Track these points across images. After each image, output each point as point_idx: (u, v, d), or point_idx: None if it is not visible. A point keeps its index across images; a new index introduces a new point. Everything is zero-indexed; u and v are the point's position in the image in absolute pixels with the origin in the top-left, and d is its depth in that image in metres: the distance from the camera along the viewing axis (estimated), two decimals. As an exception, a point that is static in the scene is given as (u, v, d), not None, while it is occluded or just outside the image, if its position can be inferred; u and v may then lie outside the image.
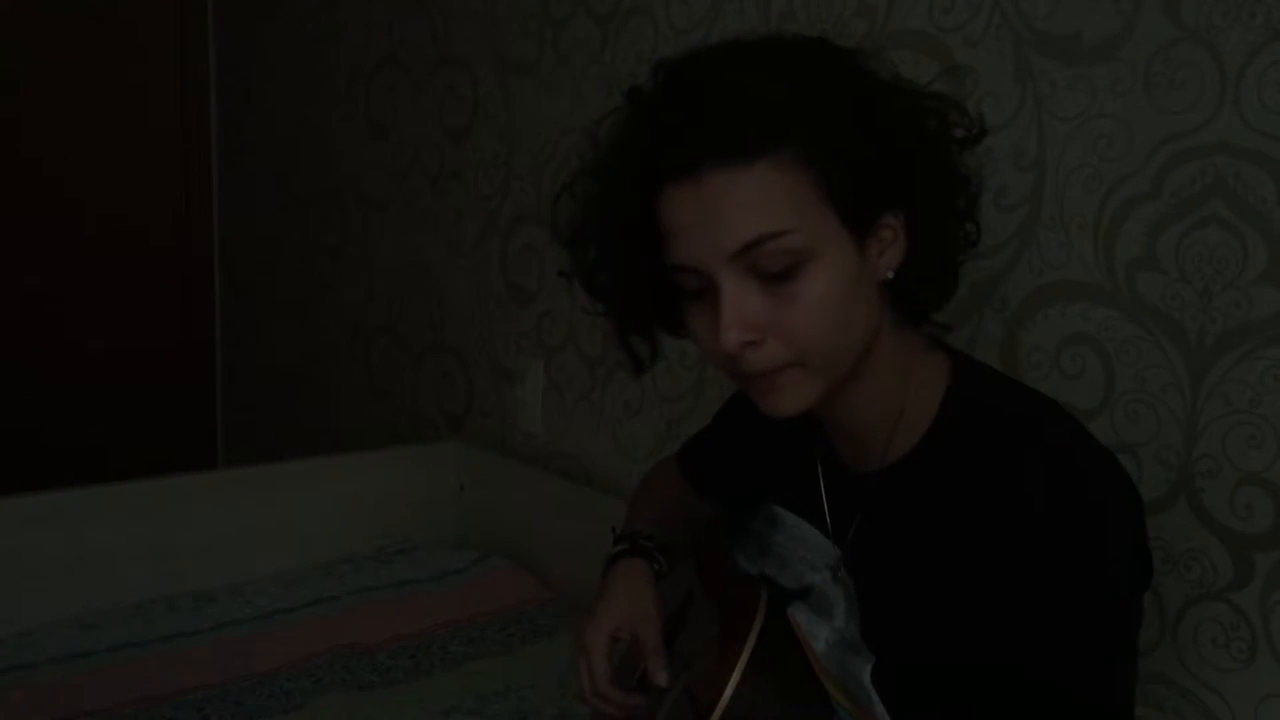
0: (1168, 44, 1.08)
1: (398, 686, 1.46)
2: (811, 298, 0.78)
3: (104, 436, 2.78)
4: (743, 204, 0.77)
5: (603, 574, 1.06)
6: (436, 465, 2.01)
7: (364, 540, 1.89)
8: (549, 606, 1.71)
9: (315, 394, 2.59)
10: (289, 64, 2.59)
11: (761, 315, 0.79)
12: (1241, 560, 1.05)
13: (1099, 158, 1.14)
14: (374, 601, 1.70)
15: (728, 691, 0.87)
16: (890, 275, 0.83)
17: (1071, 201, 1.16)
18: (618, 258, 0.86)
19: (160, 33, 2.86)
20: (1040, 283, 1.19)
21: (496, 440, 2.04)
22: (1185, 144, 1.07)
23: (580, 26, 1.77)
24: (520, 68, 1.91)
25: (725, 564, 1.05)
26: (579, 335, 1.84)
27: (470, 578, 1.80)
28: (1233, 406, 1.05)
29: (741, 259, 0.78)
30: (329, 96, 2.44)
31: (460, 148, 2.07)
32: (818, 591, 0.94)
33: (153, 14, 2.84)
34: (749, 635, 0.89)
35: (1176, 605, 1.10)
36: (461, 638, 1.61)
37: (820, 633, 0.91)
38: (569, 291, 1.85)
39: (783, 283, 0.78)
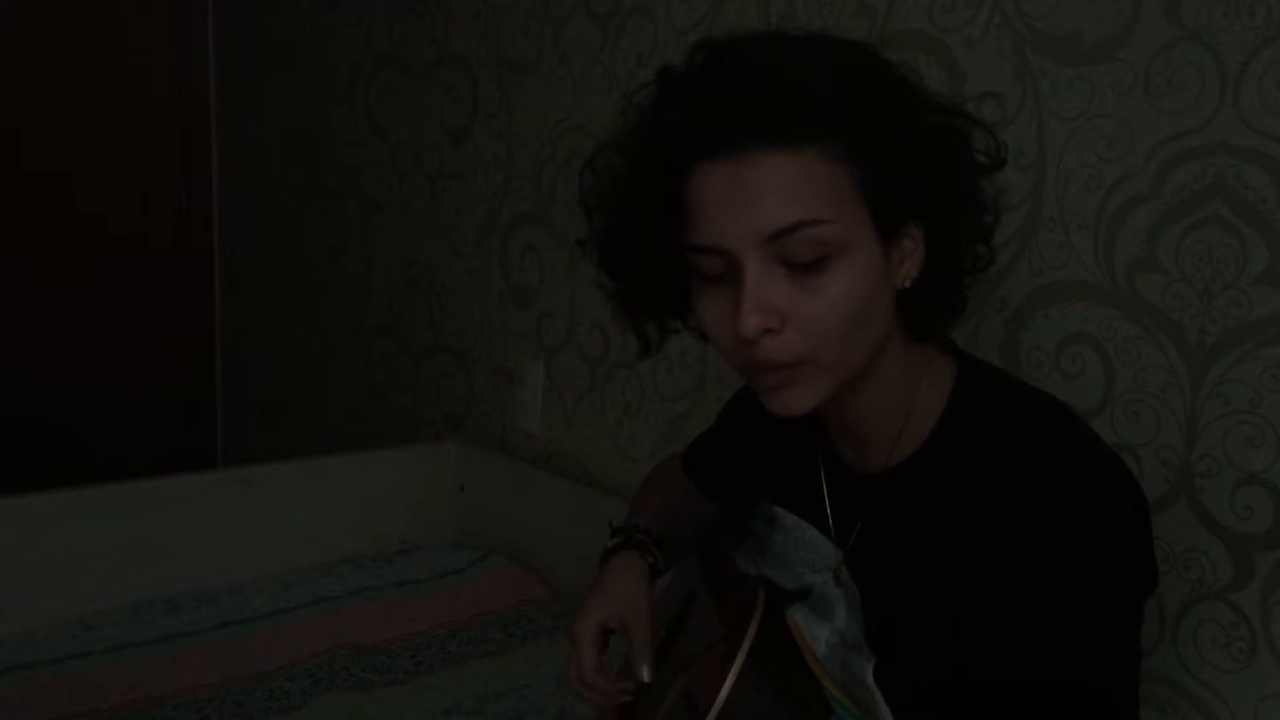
0: (1168, 44, 1.08)
1: (398, 686, 1.46)
2: (836, 292, 0.78)
3: (104, 436, 2.78)
4: (784, 189, 0.76)
5: (599, 567, 1.06)
6: (436, 465, 2.01)
7: (364, 540, 1.89)
8: (549, 606, 1.71)
9: (315, 394, 2.59)
10: (289, 64, 2.59)
11: (784, 303, 0.78)
12: (1241, 560, 1.05)
13: (1099, 158, 1.14)
14: (374, 601, 1.69)
15: (723, 693, 0.86)
16: (907, 285, 0.83)
17: (1071, 201, 1.16)
18: (639, 230, 0.84)
19: (160, 33, 2.86)
20: (1040, 283, 1.19)
21: (496, 440, 2.04)
22: (1185, 144, 1.07)
23: (580, 26, 1.77)
24: (520, 68, 1.91)
25: (727, 564, 1.05)
26: (579, 335, 1.84)
27: (470, 578, 1.80)
28: (1233, 406, 1.05)
29: (772, 244, 0.77)
30: (329, 96, 2.44)
31: (460, 148, 2.08)
32: (817, 592, 0.94)
33: (152, 14, 2.84)
34: (745, 637, 0.89)
35: (1176, 605, 1.10)
36: (461, 638, 1.61)
37: (820, 634, 0.91)
38: (569, 291, 1.86)
39: (809, 274, 0.78)
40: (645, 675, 0.96)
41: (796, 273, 0.78)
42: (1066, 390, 1.15)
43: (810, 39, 0.82)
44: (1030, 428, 0.83)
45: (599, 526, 1.17)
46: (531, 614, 1.69)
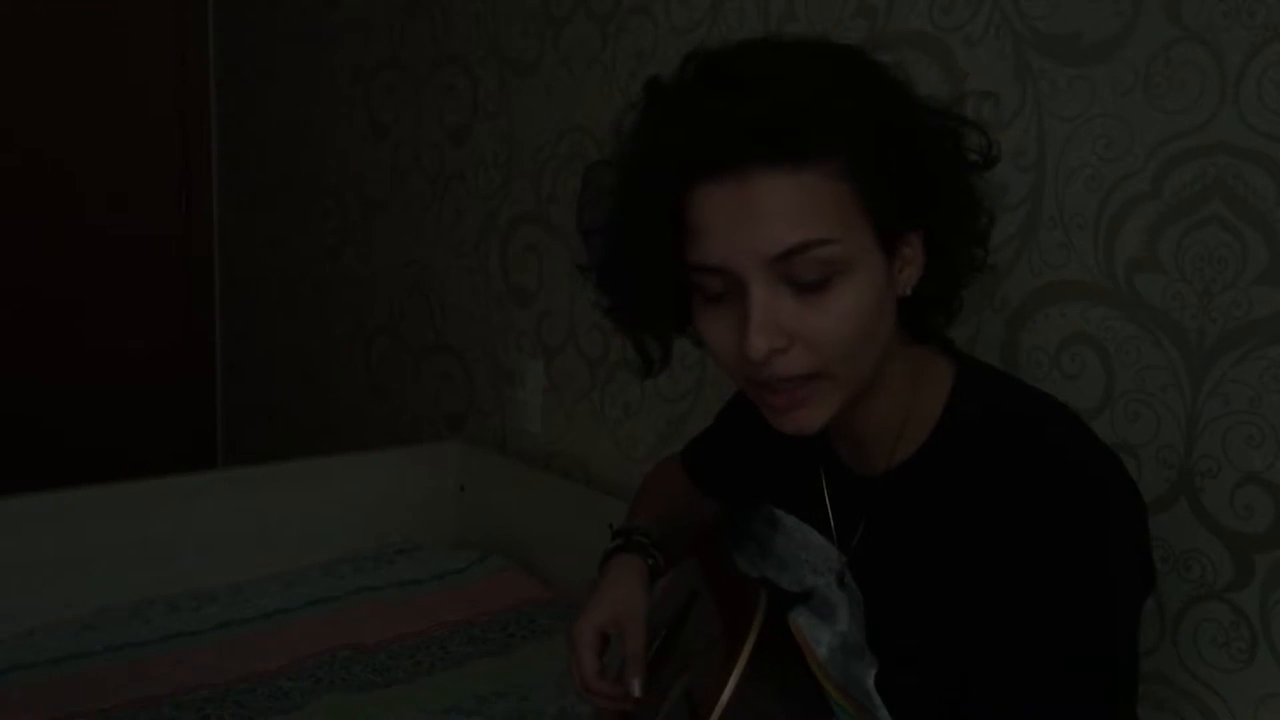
0: (1168, 44, 1.08)
1: (398, 686, 1.46)
2: (843, 309, 0.77)
3: (104, 436, 2.78)
4: (788, 209, 0.75)
5: (599, 569, 1.06)
6: (436, 465, 2.01)
7: (364, 540, 1.89)
8: (549, 606, 1.71)
9: (315, 394, 2.59)
10: (289, 64, 2.59)
11: (791, 322, 0.77)
12: (1241, 560, 1.05)
13: (1099, 158, 1.14)
14: (374, 601, 1.70)
15: (725, 694, 0.86)
16: (908, 293, 0.82)
17: (1071, 201, 1.16)
18: (636, 253, 0.82)
19: (160, 32, 2.86)
20: (1040, 283, 1.19)
21: (496, 440, 2.04)
22: (1185, 144, 1.07)
23: (580, 26, 1.77)
24: (520, 68, 1.91)
25: (727, 564, 1.05)
26: (579, 335, 1.84)
27: (470, 578, 1.80)
28: (1233, 406, 1.05)
29: (779, 265, 0.76)
30: (329, 96, 2.44)
31: (460, 148, 2.08)
32: (819, 594, 0.94)
33: (153, 13, 2.84)
34: (747, 638, 0.89)
35: (1176, 605, 1.10)
36: (461, 638, 1.61)
37: (822, 636, 0.91)
38: (569, 291, 1.86)
39: (815, 292, 0.77)
40: (636, 690, 0.95)
41: (802, 291, 0.77)
42: (1066, 390, 1.15)
43: (804, 48, 0.81)
44: (1029, 427, 0.83)
45: (599, 526, 1.17)
46: (531, 614, 1.69)
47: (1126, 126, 1.11)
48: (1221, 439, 1.06)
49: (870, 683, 0.86)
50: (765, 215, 0.75)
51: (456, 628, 1.63)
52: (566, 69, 1.81)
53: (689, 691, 0.94)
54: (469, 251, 2.08)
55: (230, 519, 1.76)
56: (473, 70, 2.03)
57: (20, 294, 2.75)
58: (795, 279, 0.77)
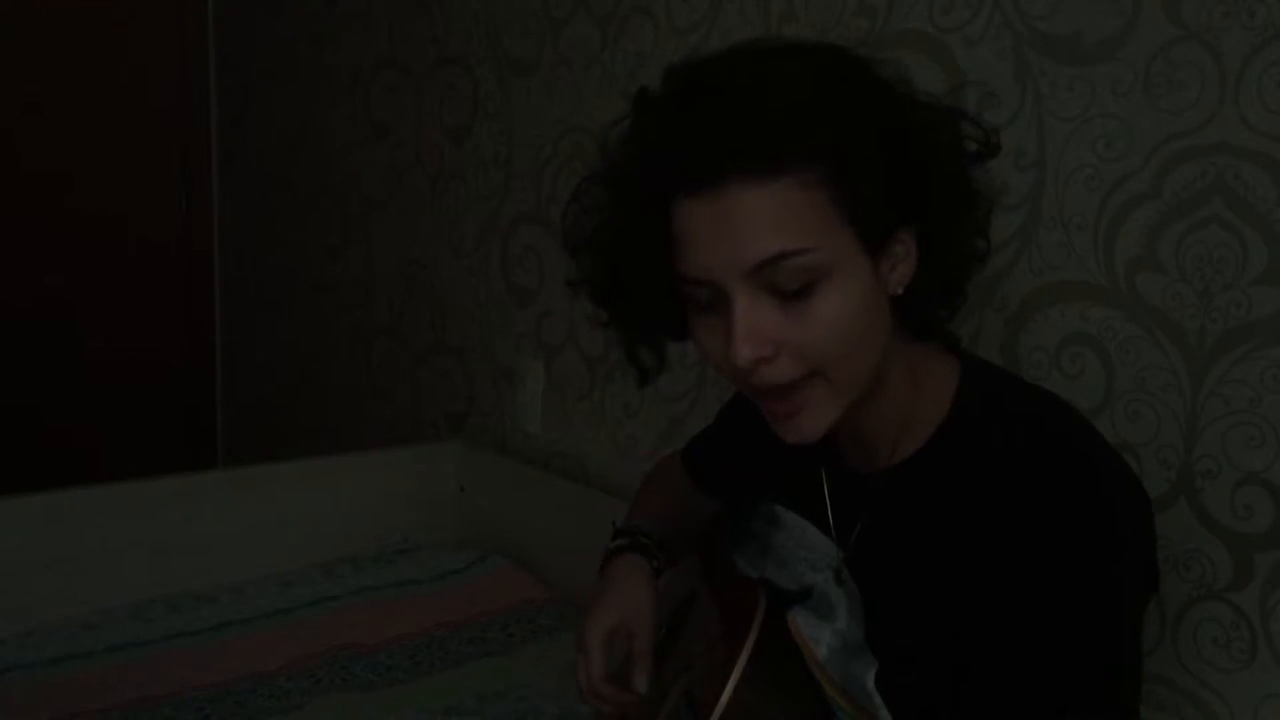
0: (1168, 44, 1.08)
1: (398, 686, 1.46)
2: (827, 315, 0.77)
3: (104, 436, 2.78)
4: (765, 220, 0.75)
5: (600, 569, 1.06)
6: (436, 465, 2.01)
7: (364, 540, 1.89)
8: (549, 606, 1.71)
9: (315, 394, 2.59)
10: (289, 64, 2.59)
11: (775, 331, 0.77)
12: (1241, 560, 1.06)
13: (1099, 158, 1.14)
14: (374, 601, 1.70)
15: (725, 695, 0.86)
16: (900, 291, 0.82)
17: (1071, 201, 1.16)
18: (627, 266, 0.83)
19: (160, 33, 2.86)
20: (1040, 283, 1.19)
21: (496, 440, 2.04)
22: (1185, 144, 1.07)
23: (580, 26, 1.77)
24: (520, 68, 1.91)
25: (727, 564, 1.05)
26: (579, 335, 1.84)
27: (470, 578, 1.80)
28: (1232, 406, 1.05)
29: (758, 274, 0.76)
30: (329, 96, 2.44)
31: (460, 148, 2.08)
32: (818, 593, 0.93)
33: (153, 14, 2.84)
34: (747, 640, 0.89)
35: (1176, 605, 1.10)
36: (461, 638, 1.61)
37: (822, 636, 0.91)
38: (569, 292, 1.86)
39: (798, 299, 0.77)
40: (642, 686, 0.96)
41: (785, 299, 0.77)
42: (1066, 390, 1.14)
43: (786, 53, 0.81)
44: (1034, 427, 0.82)
45: (599, 526, 1.17)
46: (531, 614, 1.69)
47: (1126, 126, 1.11)
48: (1221, 439, 1.06)
49: (870, 682, 0.86)
50: (741, 227, 0.75)
51: (456, 628, 1.63)
52: (566, 69, 1.81)
53: (689, 692, 0.94)
54: (469, 251, 2.08)
55: (230, 519, 1.76)
56: (473, 70, 2.03)
57: (20, 294, 2.75)
58: (777, 288, 0.77)
